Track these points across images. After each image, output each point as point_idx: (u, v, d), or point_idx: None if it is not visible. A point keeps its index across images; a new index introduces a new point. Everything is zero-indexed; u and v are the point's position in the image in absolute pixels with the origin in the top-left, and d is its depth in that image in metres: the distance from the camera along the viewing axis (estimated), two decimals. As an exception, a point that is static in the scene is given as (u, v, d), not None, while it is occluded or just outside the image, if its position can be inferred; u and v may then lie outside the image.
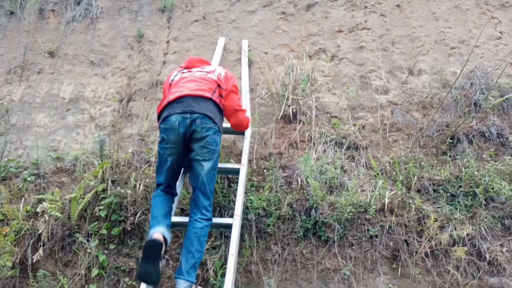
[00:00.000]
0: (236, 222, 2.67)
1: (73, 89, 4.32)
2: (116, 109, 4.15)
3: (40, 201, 3.44)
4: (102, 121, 4.07)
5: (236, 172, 3.07)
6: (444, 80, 3.89)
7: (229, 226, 2.67)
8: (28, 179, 3.64)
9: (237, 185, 3.02)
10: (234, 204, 2.92)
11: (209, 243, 3.06)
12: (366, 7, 4.53)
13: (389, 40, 4.28)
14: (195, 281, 2.46)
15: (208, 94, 2.66)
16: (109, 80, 4.37)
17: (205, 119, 2.56)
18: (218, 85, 2.78)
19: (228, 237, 2.89)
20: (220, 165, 3.04)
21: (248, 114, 3.17)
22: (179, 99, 2.61)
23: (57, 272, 3.13)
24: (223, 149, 3.58)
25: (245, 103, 3.64)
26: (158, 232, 2.43)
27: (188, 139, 2.57)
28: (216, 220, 2.88)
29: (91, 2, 4.89)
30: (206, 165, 2.58)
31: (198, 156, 2.56)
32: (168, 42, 4.60)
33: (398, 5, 4.50)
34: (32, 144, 3.93)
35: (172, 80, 2.87)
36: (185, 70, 2.92)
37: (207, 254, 3.03)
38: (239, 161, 3.24)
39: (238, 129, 3.09)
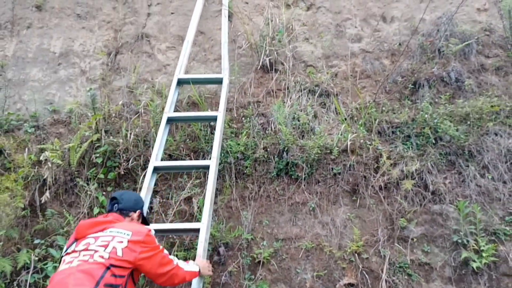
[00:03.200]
0: (213, 163, 3.04)
1: (62, 43, 4.53)
2: (104, 62, 4.39)
3: (41, 150, 3.83)
4: (92, 74, 4.34)
5: (214, 119, 3.41)
6: (413, 27, 4.08)
7: (207, 167, 3.05)
8: (29, 130, 4.00)
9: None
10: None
11: (192, 181, 3.49)
12: (344, -48, 4.57)
13: (364, -13, 4.39)
14: None
15: None
16: (96, 34, 4.57)
17: None
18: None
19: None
20: (200, 113, 3.44)
21: (184, 265, 2.23)
22: None
23: (63, 211, 3.62)
24: (203, 98, 3.89)
25: (224, 54, 3.90)
26: None
27: None
28: (196, 162, 3.30)
29: (73, -48, 4.91)
30: None
31: None
32: (151, -7, 4.72)
33: (375, -50, 4.54)
34: (29, 98, 4.25)
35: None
36: (73, 245, 2.02)
37: (192, 192, 3.48)
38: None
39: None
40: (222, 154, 3.58)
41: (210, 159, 3.11)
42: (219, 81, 3.70)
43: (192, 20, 4.23)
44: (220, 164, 3.56)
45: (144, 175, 3.64)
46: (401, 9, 4.22)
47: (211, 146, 3.66)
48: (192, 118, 3.58)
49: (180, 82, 3.72)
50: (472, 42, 3.81)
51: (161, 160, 3.25)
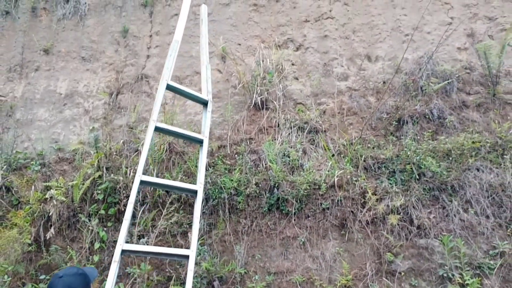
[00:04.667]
0: (200, 188, 2.86)
1: (67, 84, 4.82)
2: (107, 102, 4.66)
3: (47, 188, 4.05)
4: (95, 113, 4.60)
5: (200, 142, 3.16)
6: (396, 66, 4.31)
7: (194, 192, 2.87)
8: (36, 168, 4.23)
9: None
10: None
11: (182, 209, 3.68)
12: (331, -4, 4.87)
13: (350, 29, 4.65)
14: None
15: None
16: (99, 75, 4.86)
17: None
18: None
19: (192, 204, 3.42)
20: (187, 132, 3.18)
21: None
22: None
23: (66, 246, 3.79)
24: (191, 124, 4.12)
25: (207, 76, 3.71)
26: None
27: None
28: (183, 184, 3.36)
29: (79, 0, 5.28)
30: None
31: None
32: (151, 36, 5.02)
33: (360, -7, 4.84)
34: (36, 137, 4.50)
35: None
36: None
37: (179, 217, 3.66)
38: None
39: None
40: (216, 190, 3.76)
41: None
42: (204, 102, 3.62)
43: (180, 20, 3.98)
44: (214, 199, 3.75)
45: (143, 211, 3.87)
46: (384, 49, 4.47)
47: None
48: (179, 134, 3.35)
49: (168, 88, 3.66)
50: (453, 80, 4.01)
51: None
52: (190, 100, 3.90)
